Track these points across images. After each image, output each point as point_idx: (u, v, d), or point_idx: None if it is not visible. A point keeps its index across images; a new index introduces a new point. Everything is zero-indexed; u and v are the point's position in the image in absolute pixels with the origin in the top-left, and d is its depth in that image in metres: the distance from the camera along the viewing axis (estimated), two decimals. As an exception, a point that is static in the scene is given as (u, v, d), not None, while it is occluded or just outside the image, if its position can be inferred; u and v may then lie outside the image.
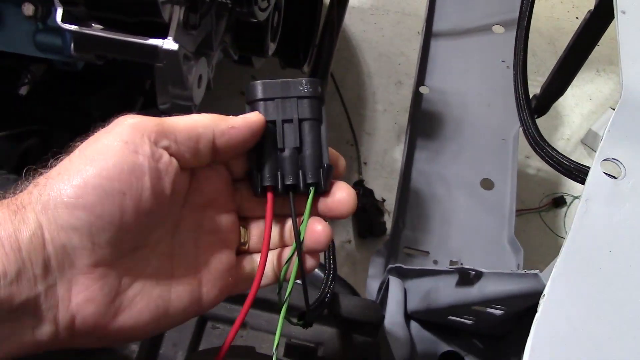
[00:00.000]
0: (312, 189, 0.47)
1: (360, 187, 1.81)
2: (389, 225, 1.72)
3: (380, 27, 2.17)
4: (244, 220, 0.50)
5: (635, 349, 0.45)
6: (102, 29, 0.80)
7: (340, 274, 0.94)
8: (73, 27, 0.79)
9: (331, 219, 0.49)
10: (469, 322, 0.79)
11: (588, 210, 0.52)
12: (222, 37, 0.91)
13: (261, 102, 0.47)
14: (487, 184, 1.26)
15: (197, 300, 0.45)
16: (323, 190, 0.48)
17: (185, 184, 0.44)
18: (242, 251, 0.49)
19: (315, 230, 0.47)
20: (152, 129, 0.41)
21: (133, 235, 0.41)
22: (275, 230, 0.50)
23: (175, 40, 0.76)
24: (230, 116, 0.45)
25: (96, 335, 0.41)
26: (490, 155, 1.30)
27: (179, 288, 0.44)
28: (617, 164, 0.54)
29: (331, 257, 0.73)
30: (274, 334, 0.74)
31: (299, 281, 0.52)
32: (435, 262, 1.16)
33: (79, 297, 0.39)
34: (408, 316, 0.86)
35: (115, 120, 0.41)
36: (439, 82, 1.40)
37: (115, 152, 0.39)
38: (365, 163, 1.89)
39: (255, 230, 0.50)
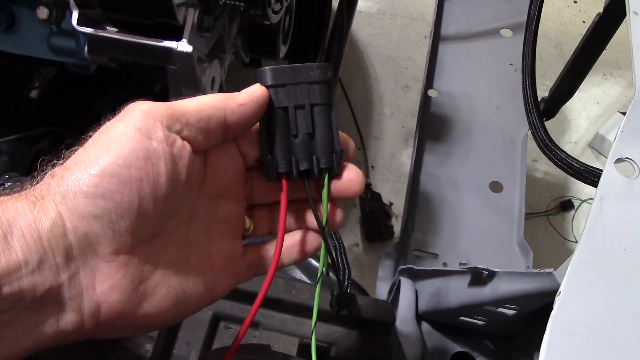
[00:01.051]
0: (326, 174, 0.48)
1: (367, 191, 1.81)
2: (396, 228, 1.72)
3: (387, 31, 2.18)
4: (248, 209, 0.51)
5: (652, 346, 0.45)
6: (116, 32, 0.81)
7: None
8: (88, 30, 0.80)
9: (342, 200, 0.50)
10: (480, 322, 0.80)
11: (602, 208, 0.52)
12: (234, 39, 0.92)
13: (271, 89, 0.46)
14: (496, 187, 1.26)
15: (211, 288, 0.46)
16: (336, 174, 0.48)
17: (200, 168, 0.45)
18: (246, 236, 0.50)
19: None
20: (163, 113, 0.41)
21: (151, 222, 0.41)
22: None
23: (190, 42, 0.77)
24: (235, 93, 0.45)
25: (121, 324, 0.42)
26: (499, 158, 1.30)
27: (195, 276, 0.45)
28: (630, 163, 0.55)
29: (342, 250, 0.73)
30: (287, 334, 0.75)
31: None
32: (445, 264, 1.16)
33: (104, 285, 0.40)
34: (419, 317, 0.86)
35: (126, 108, 0.42)
36: (447, 86, 1.40)
37: (129, 139, 0.40)
38: (372, 167, 1.89)
39: (259, 218, 0.51)
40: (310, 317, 0.64)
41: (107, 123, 0.42)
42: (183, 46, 0.77)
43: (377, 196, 1.81)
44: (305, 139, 0.47)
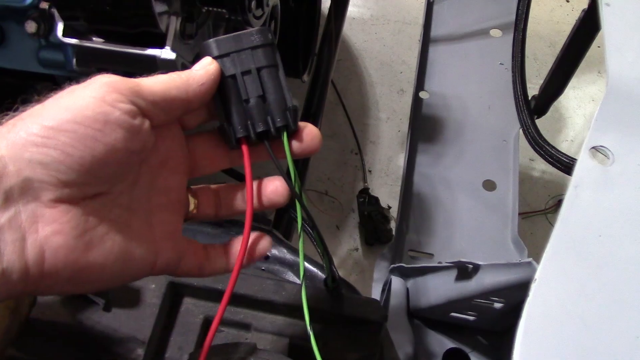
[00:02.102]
0: (284, 132, 0.49)
1: (365, 195, 1.82)
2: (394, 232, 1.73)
3: (381, 36, 2.19)
4: (190, 190, 0.52)
5: (625, 329, 0.46)
6: (102, 42, 0.82)
7: (349, 281, 0.95)
8: (74, 41, 0.81)
9: (305, 156, 0.52)
10: (471, 318, 0.80)
11: (577, 196, 0.53)
12: (220, 47, 0.93)
13: (218, 60, 0.48)
14: (489, 185, 1.27)
15: (153, 254, 0.47)
16: (293, 130, 0.50)
17: (152, 142, 0.46)
18: (190, 217, 0.51)
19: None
20: (129, 89, 0.43)
21: (99, 181, 0.42)
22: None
23: (173, 49, 0.78)
24: (190, 70, 0.47)
25: (66, 275, 0.41)
26: (492, 156, 1.31)
27: (137, 239, 0.46)
28: (605, 151, 0.55)
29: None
30: (278, 335, 0.76)
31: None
32: (440, 263, 1.16)
33: (47, 229, 0.40)
34: (411, 315, 0.87)
35: (92, 78, 0.43)
36: (438, 87, 1.41)
37: (91, 104, 0.41)
38: (370, 171, 1.90)
39: (204, 199, 0.52)
40: (301, 317, 0.64)
41: (70, 87, 0.42)
42: (166, 53, 0.78)
43: (375, 200, 1.81)
44: (258, 102, 0.49)
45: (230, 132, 0.49)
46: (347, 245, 1.78)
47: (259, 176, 0.53)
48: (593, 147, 0.55)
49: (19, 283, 0.39)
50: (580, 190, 0.53)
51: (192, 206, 0.51)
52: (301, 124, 0.51)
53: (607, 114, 0.57)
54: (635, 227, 0.51)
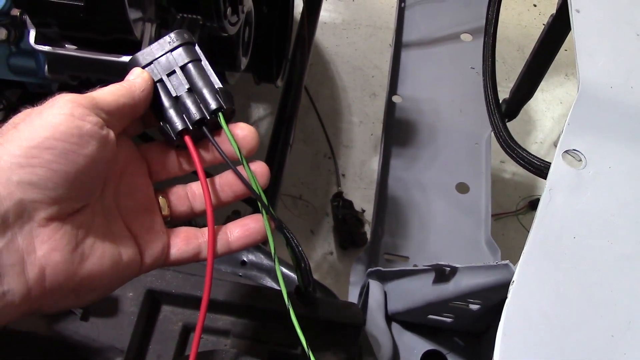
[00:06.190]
0: (219, 114, 0.52)
1: (339, 199, 1.83)
2: (369, 235, 1.74)
3: (352, 41, 2.21)
4: (160, 191, 0.54)
5: (601, 327, 0.47)
6: (75, 49, 0.81)
7: (324, 285, 0.95)
8: (46, 48, 0.80)
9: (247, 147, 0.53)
10: (448, 320, 0.81)
11: (552, 199, 0.54)
12: (195, 53, 0.93)
13: (146, 69, 0.52)
14: (462, 188, 1.28)
15: (139, 253, 0.50)
16: (229, 111, 0.52)
17: (115, 151, 0.48)
18: (167, 216, 0.53)
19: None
20: (89, 102, 0.45)
21: (82, 194, 0.44)
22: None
23: (148, 56, 0.78)
24: (127, 80, 0.50)
25: (67, 289, 0.43)
26: (464, 159, 1.32)
27: (122, 243, 0.48)
28: (578, 154, 0.57)
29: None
30: (258, 340, 0.76)
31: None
32: (415, 266, 1.17)
33: (44, 248, 0.41)
34: (389, 318, 0.87)
35: (53, 98, 0.44)
36: (411, 91, 1.42)
37: (64, 120, 0.42)
38: (343, 175, 1.91)
39: (176, 197, 0.54)
40: (282, 322, 0.64)
41: (36, 109, 0.44)
42: (142, 60, 0.77)
43: (349, 204, 1.82)
44: (189, 95, 0.52)
45: (167, 128, 0.51)
46: (322, 249, 1.79)
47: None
48: (566, 151, 0.57)
49: (23, 304, 0.40)
50: (555, 194, 0.54)
51: (163, 205, 0.53)
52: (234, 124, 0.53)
53: (579, 118, 0.59)
54: (608, 228, 0.52)
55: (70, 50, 0.81)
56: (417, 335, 0.87)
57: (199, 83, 0.52)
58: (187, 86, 0.52)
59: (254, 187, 0.52)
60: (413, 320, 0.86)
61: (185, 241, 0.53)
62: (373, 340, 0.82)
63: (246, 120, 1.99)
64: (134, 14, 0.75)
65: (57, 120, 0.42)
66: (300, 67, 1.38)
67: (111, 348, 0.72)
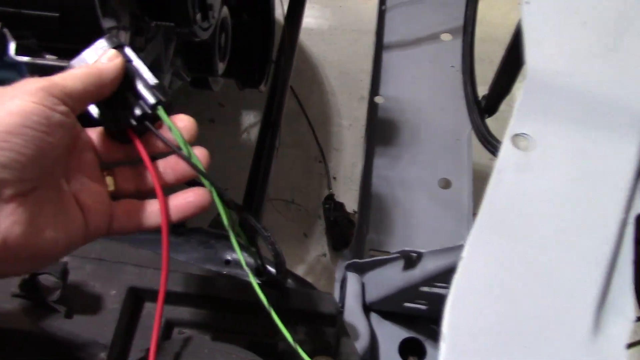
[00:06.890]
0: (159, 107, 0.55)
1: (331, 202, 1.85)
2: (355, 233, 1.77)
3: (340, 46, 2.24)
4: (110, 170, 0.58)
5: (542, 296, 0.49)
6: (55, 59, 0.84)
7: (318, 287, 0.97)
8: (27, 59, 0.83)
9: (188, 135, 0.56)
10: (423, 307, 0.84)
11: (500, 180, 0.56)
12: (173, 60, 0.96)
13: None
14: (445, 183, 1.31)
15: (85, 221, 0.54)
16: (168, 103, 0.55)
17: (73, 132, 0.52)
18: (114, 191, 0.57)
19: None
20: (59, 91, 0.48)
21: (42, 173, 0.48)
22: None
23: (123, 63, 0.81)
24: (99, 63, 0.53)
25: (26, 256, 0.48)
26: (446, 156, 1.35)
27: (72, 213, 0.52)
28: (526, 138, 0.59)
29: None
30: (237, 332, 0.78)
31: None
32: (388, 254, 1.19)
33: (7, 222, 0.46)
34: (368, 308, 0.90)
35: (19, 84, 0.48)
36: (393, 91, 1.45)
37: (36, 109, 0.46)
38: (334, 178, 1.94)
39: (122, 176, 0.58)
40: (260, 313, 0.66)
41: (7, 93, 0.47)
42: (117, 67, 0.81)
43: (341, 206, 1.84)
44: (127, 95, 0.55)
45: (112, 127, 0.55)
46: (315, 251, 1.81)
47: None
48: (515, 135, 0.59)
49: None
50: (503, 175, 0.57)
51: (110, 182, 0.57)
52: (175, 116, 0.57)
53: (527, 104, 0.61)
54: (551, 206, 0.55)
55: (50, 60, 0.84)
56: (396, 324, 0.89)
57: (135, 83, 0.55)
58: (123, 87, 0.55)
59: (198, 166, 0.55)
60: (390, 309, 0.89)
61: (126, 214, 0.56)
62: (351, 329, 0.84)
63: (237, 127, 2.03)
64: (108, 23, 0.78)
65: (29, 109, 0.46)
66: (284, 71, 1.41)
67: (95, 344, 0.74)
